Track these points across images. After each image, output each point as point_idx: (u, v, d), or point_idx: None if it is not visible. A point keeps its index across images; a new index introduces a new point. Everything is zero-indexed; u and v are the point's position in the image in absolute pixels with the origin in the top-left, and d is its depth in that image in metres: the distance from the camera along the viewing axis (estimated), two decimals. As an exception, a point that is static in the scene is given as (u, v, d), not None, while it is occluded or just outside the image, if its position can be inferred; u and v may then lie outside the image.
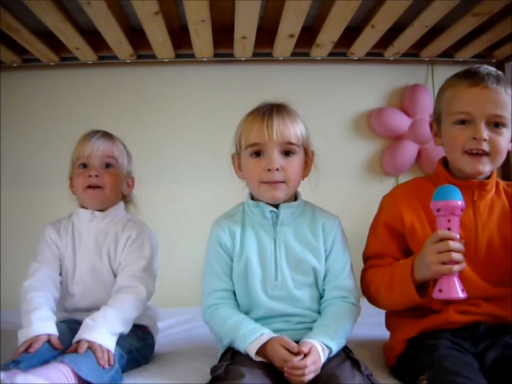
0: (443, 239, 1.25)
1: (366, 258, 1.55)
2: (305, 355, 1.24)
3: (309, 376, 1.22)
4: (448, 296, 1.25)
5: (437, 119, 1.50)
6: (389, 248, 1.48)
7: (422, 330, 1.40)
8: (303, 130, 1.47)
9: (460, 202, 1.25)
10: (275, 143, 1.40)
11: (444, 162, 1.51)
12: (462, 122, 1.39)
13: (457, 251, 1.24)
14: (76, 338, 1.39)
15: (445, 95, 1.45)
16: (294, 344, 1.28)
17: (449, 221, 1.26)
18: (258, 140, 1.41)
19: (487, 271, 1.37)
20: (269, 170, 1.40)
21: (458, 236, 1.26)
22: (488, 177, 1.45)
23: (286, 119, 1.42)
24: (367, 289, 1.49)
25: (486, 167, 1.39)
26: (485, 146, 1.36)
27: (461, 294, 1.24)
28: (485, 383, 1.18)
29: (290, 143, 1.42)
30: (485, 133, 1.35)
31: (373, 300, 1.50)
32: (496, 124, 1.37)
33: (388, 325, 1.57)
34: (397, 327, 1.49)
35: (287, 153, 1.43)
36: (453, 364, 1.21)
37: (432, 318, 1.40)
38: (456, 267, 1.24)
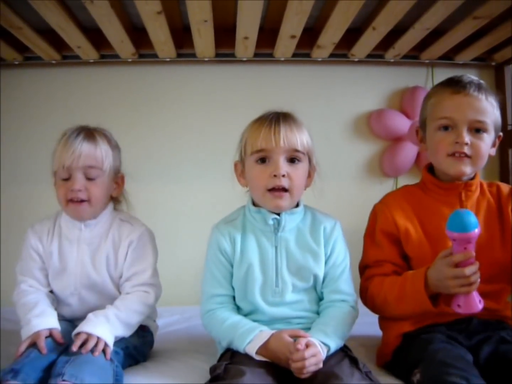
0: (458, 265, 1.26)
1: (364, 267, 1.57)
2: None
3: (310, 368, 1.22)
4: (467, 311, 1.27)
5: (422, 125, 1.56)
6: (389, 254, 1.51)
7: (416, 322, 1.44)
8: (309, 140, 1.46)
9: (477, 231, 1.23)
10: (282, 149, 1.39)
11: (430, 168, 1.57)
12: (446, 128, 1.46)
13: (474, 274, 1.25)
14: (76, 330, 1.38)
15: (430, 102, 1.52)
16: (298, 330, 1.31)
17: (465, 248, 1.25)
18: (264, 146, 1.40)
19: (479, 269, 1.37)
20: (275, 176, 1.39)
21: (473, 258, 1.25)
22: (472, 179, 1.51)
23: (293, 127, 1.42)
24: (372, 300, 1.50)
25: (467, 168, 1.45)
26: (467, 150, 1.43)
27: (479, 307, 1.27)
28: (478, 374, 1.21)
29: (296, 150, 1.41)
30: (467, 137, 1.42)
31: (379, 310, 1.53)
32: (477, 129, 1.44)
33: (381, 323, 1.59)
34: (391, 323, 1.51)
35: (292, 160, 1.42)
36: (445, 356, 1.25)
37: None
38: (473, 287, 1.26)
